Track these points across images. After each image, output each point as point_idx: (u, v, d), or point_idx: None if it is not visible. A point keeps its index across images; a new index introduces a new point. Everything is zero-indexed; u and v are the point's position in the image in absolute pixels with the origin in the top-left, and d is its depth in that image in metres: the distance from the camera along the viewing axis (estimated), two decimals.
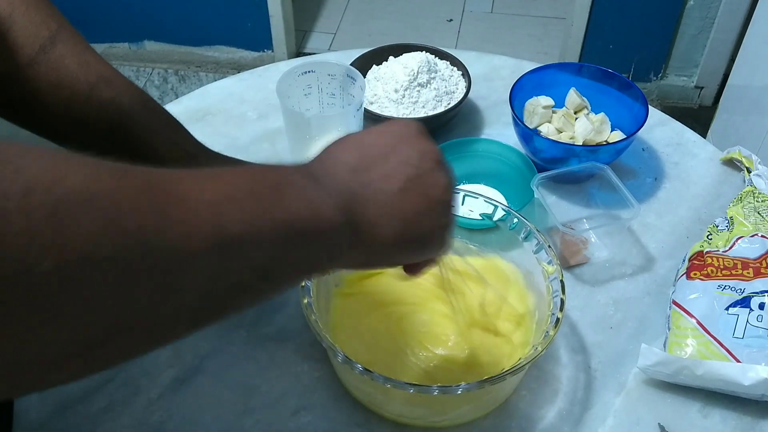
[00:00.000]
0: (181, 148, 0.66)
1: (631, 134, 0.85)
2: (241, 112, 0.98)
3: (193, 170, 0.36)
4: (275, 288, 0.41)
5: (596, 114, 0.91)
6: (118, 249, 0.29)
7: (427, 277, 0.73)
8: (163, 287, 0.32)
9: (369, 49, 0.98)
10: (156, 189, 0.32)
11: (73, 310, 0.29)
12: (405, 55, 0.96)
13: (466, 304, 0.70)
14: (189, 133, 0.68)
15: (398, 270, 0.54)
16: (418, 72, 0.91)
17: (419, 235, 0.47)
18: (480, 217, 0.71)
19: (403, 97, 0.91)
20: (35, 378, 0.31)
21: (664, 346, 0.70)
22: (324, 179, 0.43)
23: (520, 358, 0.60)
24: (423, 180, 0.47)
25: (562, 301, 0.62)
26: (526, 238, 0.68)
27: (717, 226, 0.77)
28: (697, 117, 2.13)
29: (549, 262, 0.66)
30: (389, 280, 0.73)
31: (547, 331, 0.61)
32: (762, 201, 0.78)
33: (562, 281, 0.64)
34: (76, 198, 0.28)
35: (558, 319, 0.61)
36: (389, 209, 0.45)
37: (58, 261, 0.27)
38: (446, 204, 0.48)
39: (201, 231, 0.33)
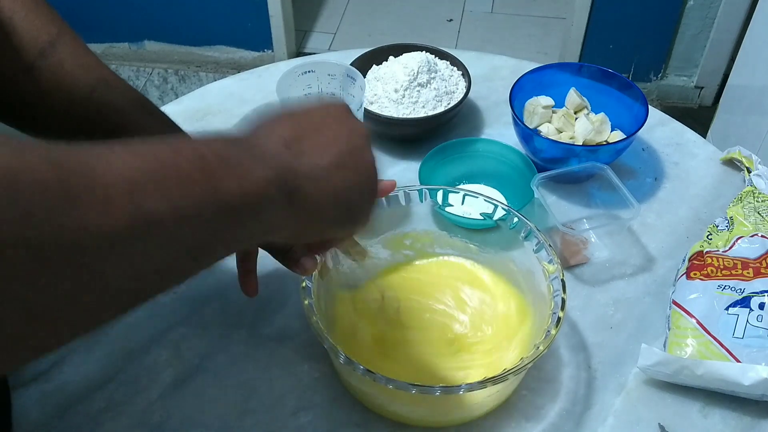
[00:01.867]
0: None
1: (631, 134, 0.85)
2: (241, 112, 0.96)
3: (112, 143, 0.34)
4: (206, 266, 0.40)
5: (596, 114, 0.91)
6: (26, 232, 0.27)
7: (431, 282, 0.74)
8: (81, 272, 0.30)
9: (369, 49, 0.98)
10: (66, 166, 0.30)
11: None
12: (405, 55, 0.96)
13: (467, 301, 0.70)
14: (186, 134, 0.68)
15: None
16: (418, 72, 0.91)
17: (349, 209, 0.48)
18: (480, 217, 0.71)
19: (403, 97, 0.91)
20: None
21: (664, 346, 0.70)
22: (256, 150, 0.42)
23: (521, 358, 0.60)
24: (353, 156, 0.48)
25: (563, 300, 0.62)
26: (526, 238, 0.68)
27: (717, 226, 0.77)
28: (697, 117, 2.13)
29: (549, 261, 0.66)
30: (393, 280, 0.73)
31: (549, 331, 0.61)
32: (762, 201, 0.78)
33: (562, 280, 0.64)
34: None
35: (559, 319, 0.61)
36: (323, 183, 0.45)
37: None
38: (374, 180, 0.50)
39: (117, 211, 0.31)
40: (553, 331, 0.60)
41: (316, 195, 0.44)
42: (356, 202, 0.49)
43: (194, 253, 0.37)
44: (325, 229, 0.49)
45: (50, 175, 0.29)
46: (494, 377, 0.58)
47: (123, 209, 0.31)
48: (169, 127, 0.67)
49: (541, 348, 0.59)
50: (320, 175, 0.45)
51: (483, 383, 0.57)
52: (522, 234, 0.68)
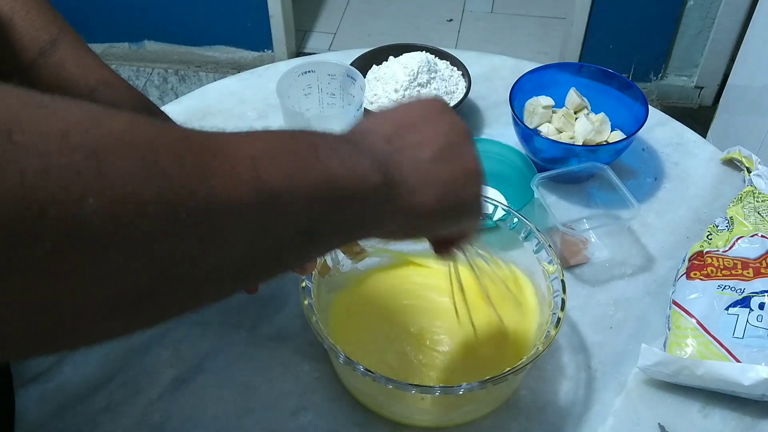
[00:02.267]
0: None
1: (631, 134, 0.85)
2: (241, 112, 0.98)
3: (234, 131, 0.37)
4: (319, 248, 0.43)
5: (596, 114, 0.91)
6: (160, 192, 0.30)
7: (429, 276, 0.74)
8: (206, 237, 0.32)
9: (369, 49, 0.98)
10: (193, 140, 0.33)
11: (118, 255, 0.29)
12: (405, 55, 0.96)
13: (469, 297, 0.70)
14: None
15: (427, 253, 0.54)
16: (418, 72, 0.91)
17: (456, 203, 0.48)
18: None
19: (403, 97, 0.91)
20: (76, 331, 0.31)
21: (664, 346, 0.70)
22: (360, 145, 0.44)
23: (521, 359, 0.60)
24: (454, 150, 0.48)
25: (563, 301, 0.62)
26: (526, 238, 0.68)
27: (717, 226, 0.77)
28: (697, 117, 2.13)
29: (549, 262, 0.66)
30: (389, 280, 0.73)
31: (548, 331, 0.60)
32: (762, 201, 0.78)
33: (562, 281, 0.64)
34: (115, 141, 0.29)
35: (559, 319, 0.61)
36: (425, 175, 0.45)
37: (100, 200, 0.28)
38: (478, 174, 0.49)
39: (240, 183, 0.34)
40: (552, 332, 0.60)
41: (419, 186, 0.45)
42: (462, 196, 0.48)
43: (307, 230, 0.39)
44: (435, 224, 0.49)
45: (184, 148, 0.32)
46: (494, 378, 0.58)
47: (246, 182, 0.34)
48: None
49: (540, 349, 0.59)
50: (422, 168, 0.45)
51: (483, 384, 0.57)
52: (522, 234, 0.68)
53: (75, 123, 0.28)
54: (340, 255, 0.70)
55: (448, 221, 0.49)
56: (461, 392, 0.57)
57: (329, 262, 0.68)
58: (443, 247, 0.55)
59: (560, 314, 0.61)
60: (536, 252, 0.67)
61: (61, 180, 0.27)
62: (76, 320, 0.30)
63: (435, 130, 0.48)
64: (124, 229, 0.29)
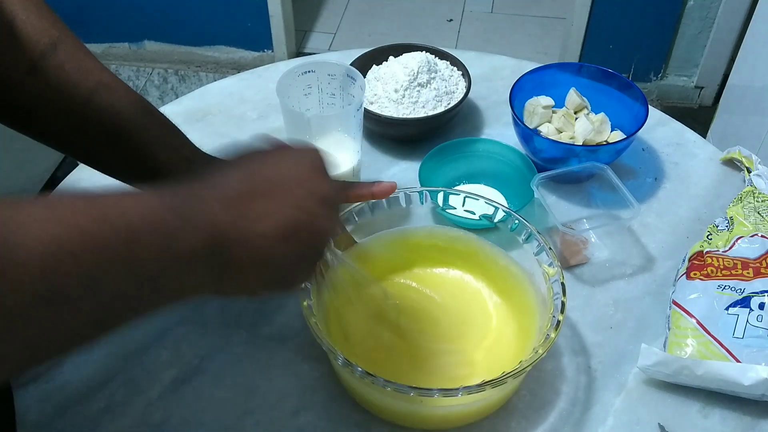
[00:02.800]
0: (179, 153, 0.66)
1: (631, 134, 0.85)
2: (241, 112, 0.98)
3: (35, 203, 0.34)
4: (111, 332, 0.39)
5: (596, 114, 0.91)
6: None
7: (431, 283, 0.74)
8: None
9: (369, 49, 0.98)
10: None
11: None
12: (405, 55, 0.96)
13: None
14: (186, 137, 0.68)
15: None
16: (418, 72, 0.91)
17: (283, 278, 0.47)
18: (480, 219, 0.71)
19: (403, 97, 0.91)
20: None
21: (664, 346, 0.70)
22: (196, 212, 0.41)
23: (520, 361, 0.60)
24: (301, 226, 0.46)
25: (563, 304, 0.62)
26: (526, 240, 0.68)
27: (717, 226, 0.77)
28: (697, 117, 2.13)
29: (550, 264, 0.65)
30: (389, 284, 0.73)
31: (548, 334, 0.60)
32: (762, 201, 0.78)
33: (563, 283, 0.64)
34: None
35: (559, 322, 0.61)
36: (257, 253, 0.44)
37: None
38: (318, 251, 0.48)
39: (27, 287, 0.31)
40: (552, 335, 0.60)
41: (245, 263, 0.43)
42: (293, 272, 0.48)
43: (100, 323, 0.37)
44: (255, 292, 0.48)
45: None
46: (493, 380, 0.57)
47: (33, 285, 0.31)
48: (168, 129, 0.67)
49: (540, 351, 0.59)
50: (255, 245, 0.43)
51: (481, 386, 0.57)
52: (522, 236, 0.68)
53: None
54: (340, 254, 0.70)
55: (270, 290, 0.48)
56: (460, 395, 0.57)
57: (329, 261, 0.68)
58: None
59: (560, 317, 0.61)
60: (537, 254, 0.67)
61: None
62: None
63: (287, 202, 0.45)
64: None
